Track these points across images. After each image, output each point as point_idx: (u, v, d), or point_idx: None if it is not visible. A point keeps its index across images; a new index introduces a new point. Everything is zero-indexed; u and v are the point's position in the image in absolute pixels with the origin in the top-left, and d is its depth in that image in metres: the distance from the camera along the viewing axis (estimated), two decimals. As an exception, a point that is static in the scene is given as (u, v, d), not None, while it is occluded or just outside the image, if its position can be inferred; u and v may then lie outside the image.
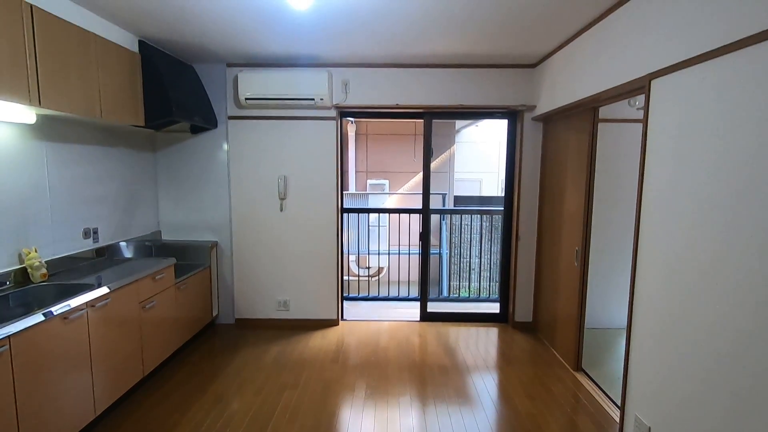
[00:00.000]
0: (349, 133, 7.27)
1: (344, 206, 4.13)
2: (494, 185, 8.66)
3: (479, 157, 8.57)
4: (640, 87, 2.14)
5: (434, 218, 6.58)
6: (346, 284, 4.39)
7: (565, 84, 3.05)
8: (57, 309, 2.00)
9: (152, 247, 3.58)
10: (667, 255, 1.94)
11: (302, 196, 3.82)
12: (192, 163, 3.77)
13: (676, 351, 1.87)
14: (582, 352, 3.06)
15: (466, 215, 6.39)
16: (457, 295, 6.35)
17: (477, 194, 8.58)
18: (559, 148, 3.37)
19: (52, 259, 2.56)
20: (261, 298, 3.94)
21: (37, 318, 1.90)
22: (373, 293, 5.38)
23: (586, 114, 2.88)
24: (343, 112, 3.87)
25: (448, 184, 7.51)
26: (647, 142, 2.09)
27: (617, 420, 2.41)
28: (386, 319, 4.14)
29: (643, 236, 2.12)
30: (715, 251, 1.65)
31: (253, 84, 3.51)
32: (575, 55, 2.88)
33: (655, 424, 2.00)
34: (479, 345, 3.59)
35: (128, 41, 2.92)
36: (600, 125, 2.86)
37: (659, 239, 1.99)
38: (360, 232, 6.17)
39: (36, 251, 2.38)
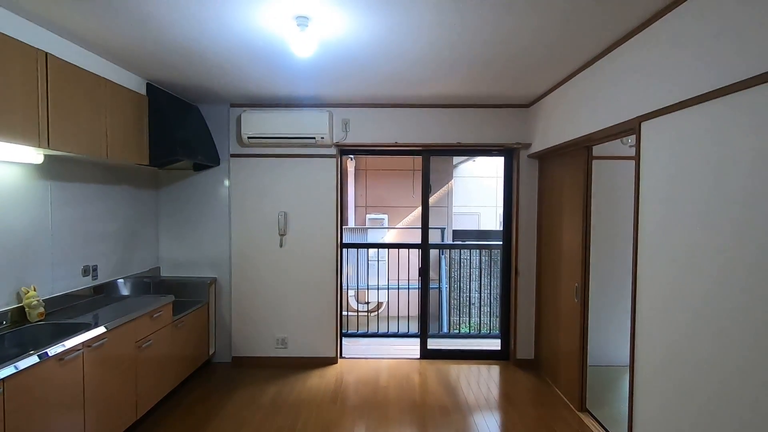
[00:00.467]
0: (348, 169, 7.39)
1: (343, 241, 4.14)
2: (493, 219, 8.71)
3: (477, 191, 8.67)
4: (631, 128, 2.22)
5: (433, 252, 6.57)
6: (345, 320, 4.34)
7: (558, 124, 3.14)
8: (52, 350, 1.97)
9: (150, 284, 3.57)
10: (665, 293, 1.94)
11: (302, 232, 3.85)
12: (194, 200, 3.82)
13: (680, 391, 1.84)
14: (586, 391, 3.00)
15: (465, 250, 6.39)
16: (457, 331, 6.25)
17: (476, 228, 8.62)
18: (555, 185, 3.43)
19: (50, 298, 2.55)
20: (259, 335, 3.88)
21: (32, 360, 1.87)
22: (373, 329, 5.31)
23: (580, 152, 2.96)
24: (344, 150, 3.96)
25: (447, 219, 7.55)
26: (640, 181, 2.14)
27: (625, 464, 2.33)
28: (386, 357, 4.07)
29: (641, 274, 2.14)
30: (711, 289, 1.66)
31: (255, 123, 3.61)
32: (567, 96, 2.99)
33: (663, 470, 1.95)
34: (481, 384, 3.51)
35: (136, 84, 3.02)
36: (595, 162, 2.94)
37: (656, 277, 2.00)
38: (359, 266, 6.15)
39: (35, 290, 2.37)
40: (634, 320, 2.19)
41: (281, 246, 3.85)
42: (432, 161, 4.05)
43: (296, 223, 3.85)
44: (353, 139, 3.80)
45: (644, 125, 2.10)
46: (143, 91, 3.11)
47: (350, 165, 7.41)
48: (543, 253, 3.71)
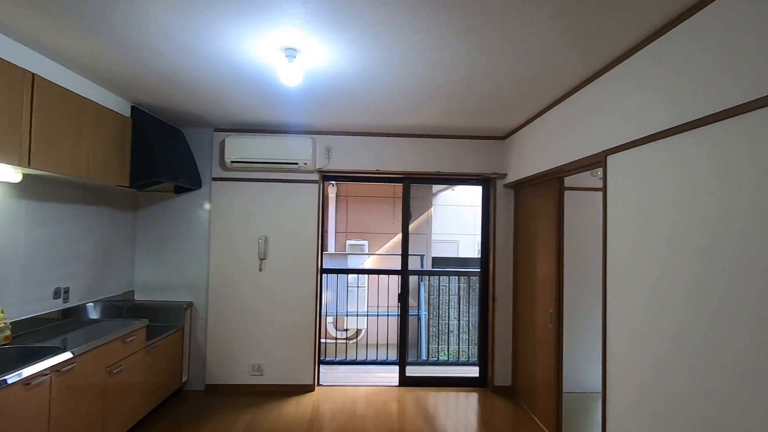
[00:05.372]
0: (329, 195, 7.45)
1: (323, 267, 4.15)
2: (471, 247, 8.84)
3: (456, 220, 8.82)
4: (598, 161, 2.37)
5: (413, 279, 6.60)
6: (322, 347, 4.29)
7: (531, 155, 3.31)
8: (18, 375, 1.90)
9: (123, 308, 3.48)
10: (634, 321, 2.03)
11: (282, 256, 3.84)
12: (173, 222, 3.79)
13: (652, 417, 1.91)
14: (562, 417, 3.03)
15: (444, 276, 6.46)
16: (436, 359, 6.22)
17: (454, 255, 8.72)
18: (529, 214, 3.56)
19: (18, 320, 2.46)
20: (234, 362, 3.79)
21: (-3, 384, 1.80)
22: (351, 356, 5.24)
23: (552, 183, 3.11)
24: (326, 176, 4.03)
25: (426, 246, 7.64)
26: (607, 211, 2.27)
27: (600, 490, 2.35)
28: (364, 384, 4.02)
29: (610, 302, 2.23)
30: (680, 316, 1.76)
31: (239, 148, 3.66)
32: (540, 130, 3.16)
33: (635, 493, 1.98)
34: (459, 412, 3.50)
35: (121, 106, 3.05)
36: (567, 193, 3.08)
37: (626, 305, 2.10)
38: (338, 293, 6.11)
39: (2, 312, 2.30)
40: (605, 349, 2.26)
41: (261, 270, 3.83)
42: (412, 189, 4.15)
43: (277, 247, 3.85)
44: (335, 165, 3.88)
45: (610, 158, 2.25)
46: (128, 113, 3.13)
47: (331, 191, 7.47)
48: (519, 280, 3.81)
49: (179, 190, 3.78)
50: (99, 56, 2.32)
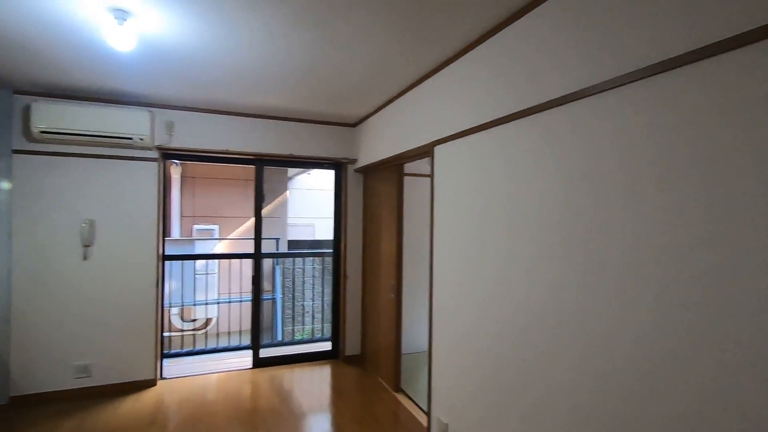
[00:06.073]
0: (173, 175, 6.78)
1: (165, 253, 3.84)
2: (327, 230, 9.10)
3: (312, 203, 8.96)
4: (428, 151, 2.76)
5: (268, 263, 6.53)
6: (166, 341, 3.99)
7: (377, 142, 3.63)
8: None
9: None
10: (452, 291, 2.48)
11: (114, 243, 3.42)
12: (-47, 203, 3.03)
13: (461, 364, 2.37)
14: (400, 374, 3.48)
15: (299, 258, 6.56)
16: (291, 339, 6.33)
17: (311, 238, 8.87)
18: (376, 197, 3.91)
19: None
20: (51, 366, 3.26)
21: None
22: (200, 347, 4.97)
23: (394, 169, 3.47)
24: (167, 154, 3.70)
25: (282, 229, 7.60)
26: (434, 194, 2.68)
27: (426, 425, 2.82)
28: (215, 372, 3.90)
29: (435, 274, 2.66)
30: (486, 282, 2.22)
31: (53, 116, 3.10)
32: (384, 119, 3.49)
33: (450, 421, 2.46)
34: (313, 383, 3.70)
35: None
36: (407, 178, 3.49)
37: (446, 276, 2.54)
38: (184, 281, 5.68)
39: None
40: (431, 314, 2.70)
41: (86, 259, 3.34)
42: (267, 172, 4.12)
43: (106, 233, 3.40)
44: (179, 143, 3.60)
45: (436, 148, 2.65)
46: None
47: (175, 171, 6.81)
48: (367, 258, 4.16)
49: (-38, 164, 3.03)
50: None
